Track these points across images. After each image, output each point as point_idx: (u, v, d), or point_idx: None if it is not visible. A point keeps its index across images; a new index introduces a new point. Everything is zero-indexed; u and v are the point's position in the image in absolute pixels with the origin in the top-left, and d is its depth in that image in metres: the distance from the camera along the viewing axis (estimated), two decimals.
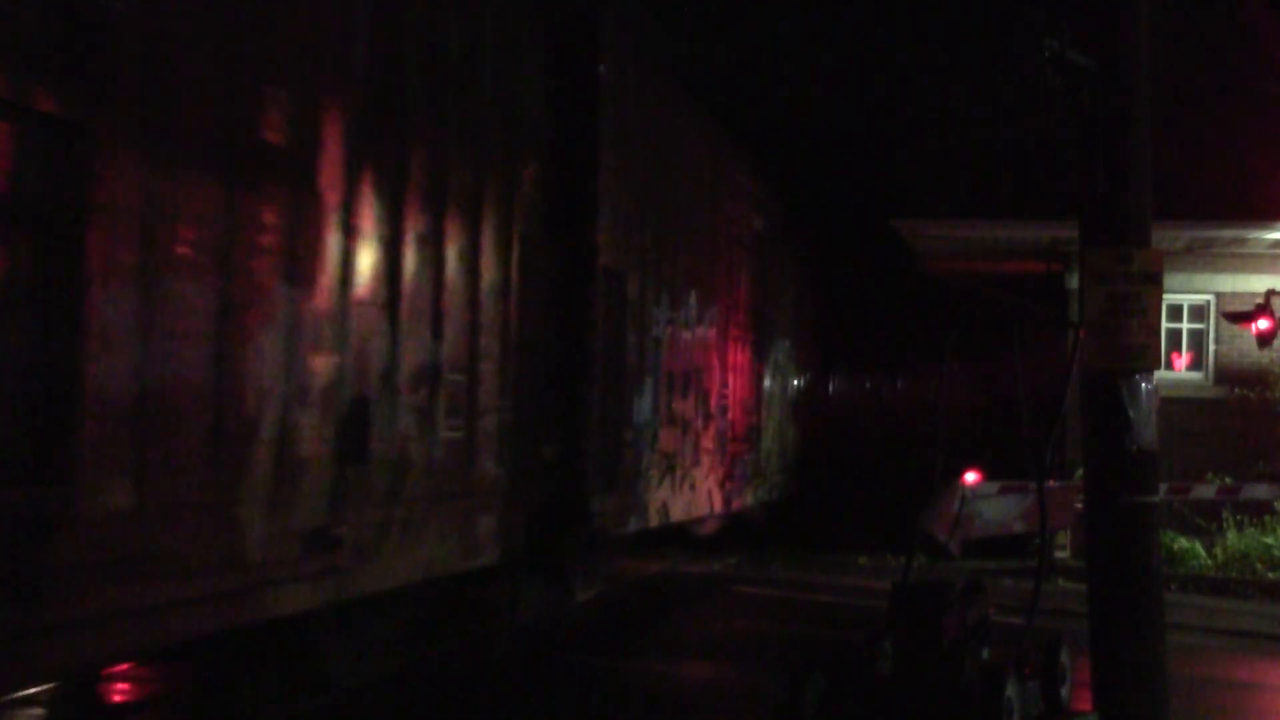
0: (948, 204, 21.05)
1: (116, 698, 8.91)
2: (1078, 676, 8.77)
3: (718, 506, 17.44)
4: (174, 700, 8.79)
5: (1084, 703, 8.62)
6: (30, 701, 8.05)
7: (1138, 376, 8.29)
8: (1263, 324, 16.97)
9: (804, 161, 24.62)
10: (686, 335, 15.89)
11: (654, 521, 14.56)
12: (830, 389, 27.83)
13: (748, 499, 19.24)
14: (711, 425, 17.03)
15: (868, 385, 29.12)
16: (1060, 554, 16.95)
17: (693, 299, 16.10)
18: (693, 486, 16.11)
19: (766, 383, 20.50)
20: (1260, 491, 16.96)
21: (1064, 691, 8.77)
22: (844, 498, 24.49)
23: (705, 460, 16.69)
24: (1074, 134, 8.56)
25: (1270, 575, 16.28)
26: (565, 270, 12.20)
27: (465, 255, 9.97)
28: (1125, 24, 8.42)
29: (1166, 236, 16.14)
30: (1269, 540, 16.60)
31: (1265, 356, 17.83)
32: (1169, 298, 16.39)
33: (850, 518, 22.27)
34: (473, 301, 10.13)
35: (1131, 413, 8.23)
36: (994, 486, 16.29)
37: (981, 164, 22.51)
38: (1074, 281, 16.62)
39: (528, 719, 9.26)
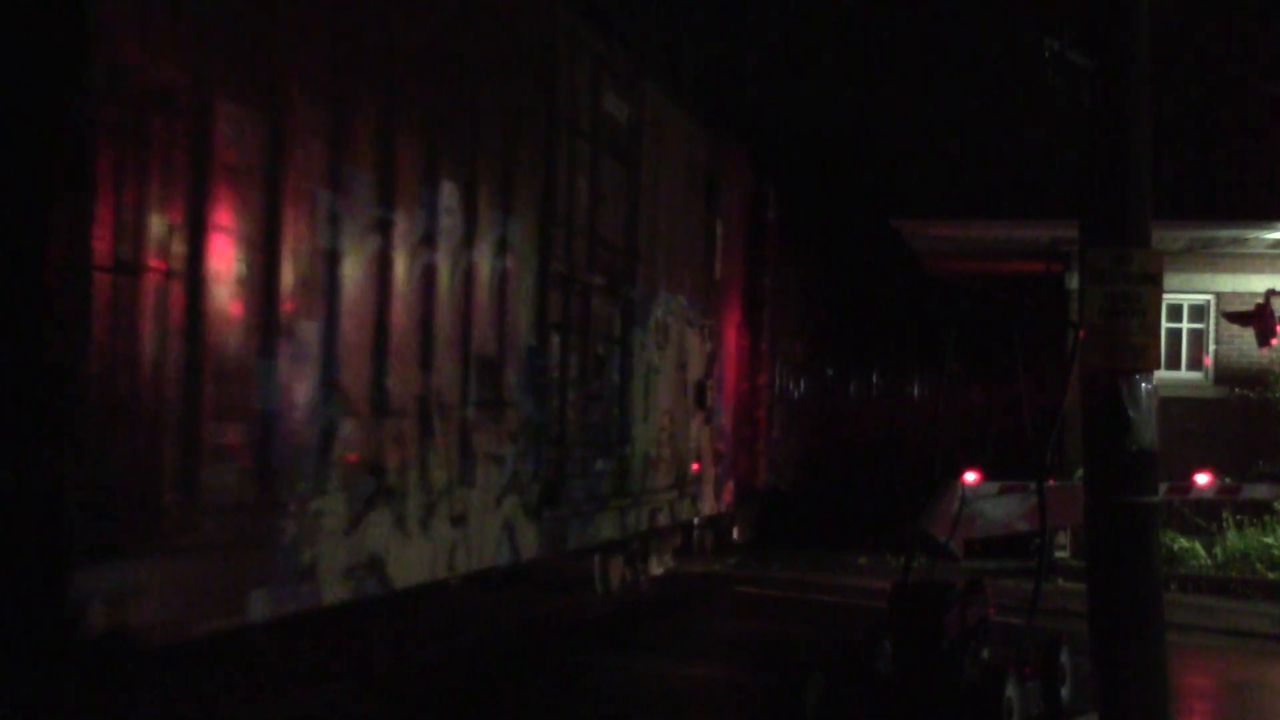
0: (948, 204, 21.05)
1: None
2: (1078, 676, 8.78)
3: (527, 548, 10.79)
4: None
5: (1084, 703, 8.63)
6: None
7: (1138, 376, 8.30)
8: (1263, 324, 16.98)
9: (804, 160, 24.60)
10: (430, 259, 9.26)
11: (334, 593, 8.17)
12: (809, 385, 23.50)
13: (602, 529, 12.56)
14: (506, 417, 10.41)
15: (853, 381, 28.13)
16: (1060, 554, 16.95)
17: (447, 197, 9.46)
18: (459, 522, 9.65)
19: (646, 358, 13.80)
20: (1260, 491, 16.96)
21: (1064, 691, 8.79)
22: (802, 516, 21.10)
23: (487, 475, 10.09)
24: (1074, 134, 8.57)
25: (1270, 575, 16.28)
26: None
27: None
28: (1125, 24, 8.42)
29: (1166, 236, 16.15)
30: (1269, 540, 16.60)
31: (1265, 356, 17.83)
32: (1169, 298, 16.43)
33: (820, 532, 20.65)
34: None
35: (1131, 413, 8.24)
36: (994, 486, 16.30)
37: (981, 164, 22.52)
38: (1074, 281, 16.66)
39: (527, 718, 9.26)
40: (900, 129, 25.63)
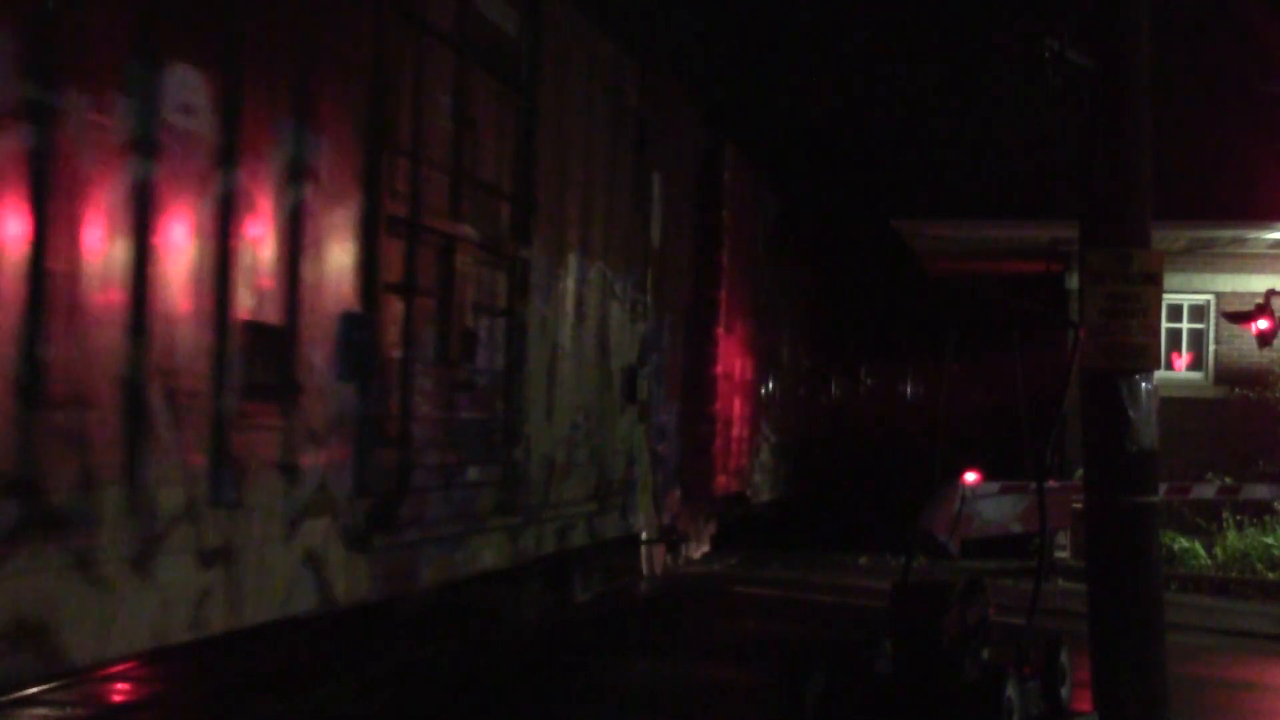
0: (948, 204, 21.05)
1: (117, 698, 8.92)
2: (1078, 676, 8.78)
3: (347, 589, 7.85)
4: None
5: (1084, 703, 8.63)
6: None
7: (1138, 376, 8.30)
8: (1263, 324, 16.98)
9: (805, 160, 24.60)
10: (144, 174, 6.33)
11: None
12: (791, 381, 21.57)
13: (481, 556, 9.71)
14: (303, 409, 7.46)
15: (843, 379, 27.29)
16: (1060, 554, 16.95)
17: (180, 88, 6.54)
18: (216, 559, 6.77)
19: (548, 337, 10.87)
20: (1260, 491, 16.96)
21: (1064, 691, 8.78)
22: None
23: (270, 491, 7.19)
24: (1074, 134, 8.58)
25: (1270, 575, 16.28)
26: None
27: None
28: (1125, 24, 8.43)
29: (1166, 236, 16.15)
30: (1269, 540, 16.61)
31: (1265, 356, 17.84)
32: (1169, 298, 16.42)
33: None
34: None
35: (1131, 413, 8.24)
36: (994, 486, 16.31)
37: (981, 164, 22.53)
38: (1074, 281, 16.66)
39: (527, 719, 9.25)
40: (900, 128, 25.64)
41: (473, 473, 9.49)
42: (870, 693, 8.17)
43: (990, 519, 16.37)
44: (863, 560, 18.69)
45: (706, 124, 16.02)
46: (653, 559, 15.17)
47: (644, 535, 14.30)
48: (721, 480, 16.65)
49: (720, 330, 16.43)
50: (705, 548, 17.58)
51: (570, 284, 11.41)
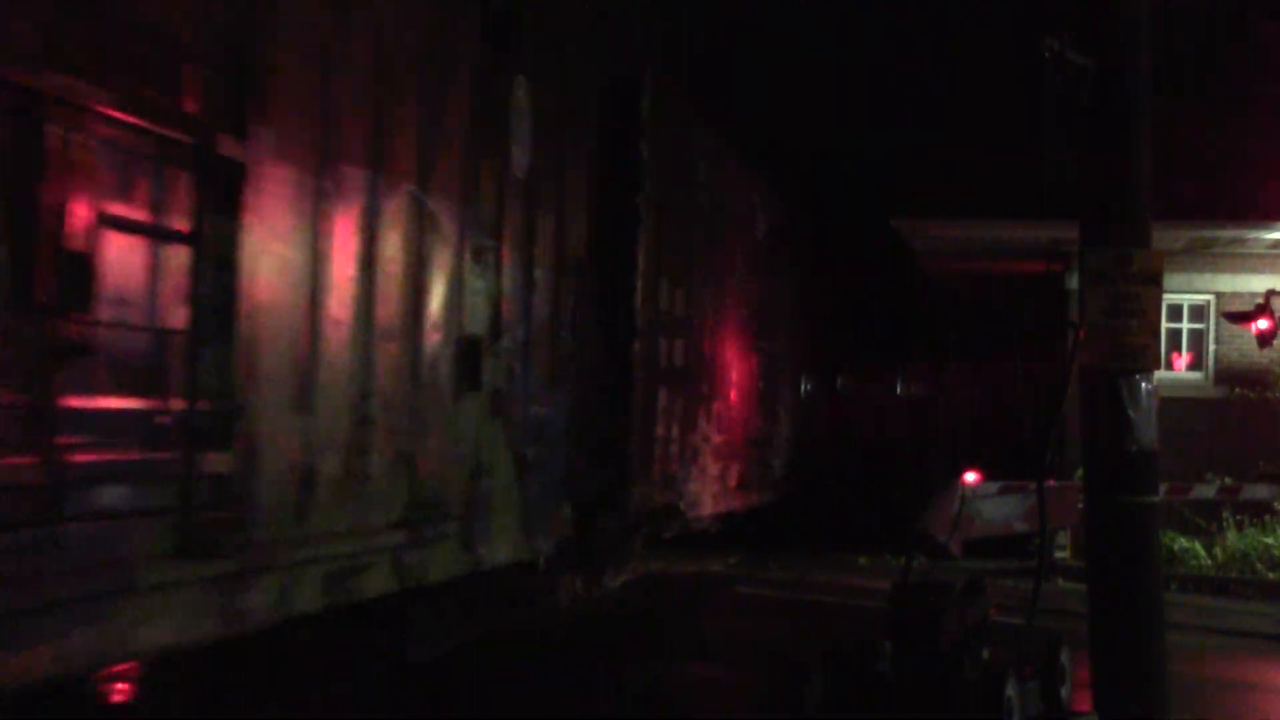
0: (948, 204, 21.05)
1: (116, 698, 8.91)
2: (1078, 676, 8.78)
3: None
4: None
5: (1084, 703, 8.63)
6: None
7: (1138, 376, 8.30)
8: (1263, 324, 16.99)
9: (804, 160, 24.60)
10: None
11: None
12: (750, 369, 18.09)
13: (147, 632, 6.17)
14: None
15: (821, 370, 25.99)
16: (1060, 554, 16.95)
17: None
18: None
19: (291, 280, 7.31)
20: (1260, 491, 16.97)
21: (1064, 691, 8.79)
22: None
23: None
24: (1073, 134, 8.59)
25: (1270, 575, 16.28)
26: None
27: None
28: (1125, 24, 8.43)
29: (1166, 236, 16.13)
30: (1269, 540, 16.61)
31: (1265, 356, 17.84)
32: (1169, 298, 16.41)
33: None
34: None
35: (1131, 413, 8.24)
36: (994, 486, 16.30)
37: (981, 164, 22.52)
38: (1074, 281, 16.64)
39: (523, 717, 9.25)
40: (900, 128, 25.65)
41: (111, 495, 5.93)
42: (870, 693, 8.18)
43: (993, 518, 16.38)
44: (862, 560, 18.68)
45: (617, 43, 12.66)
46: (559, 590, 12.35)
47: (540, 563, 11.08)
48: (640, 491, 13.06)
49: (639, 300, 12.62)
50: (626, 575, 14.32)
51: (350, 210, 7.81)
